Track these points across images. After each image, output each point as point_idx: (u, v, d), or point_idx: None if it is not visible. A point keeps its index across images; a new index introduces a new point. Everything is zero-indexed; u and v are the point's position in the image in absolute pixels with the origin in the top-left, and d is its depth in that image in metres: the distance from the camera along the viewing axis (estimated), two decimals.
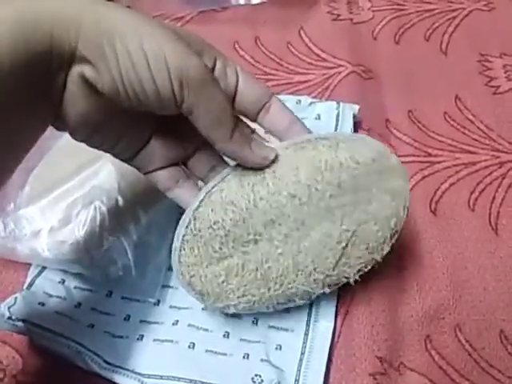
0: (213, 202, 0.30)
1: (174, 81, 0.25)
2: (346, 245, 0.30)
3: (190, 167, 0.33)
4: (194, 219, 0.31)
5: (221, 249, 0.30)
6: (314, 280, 0.31)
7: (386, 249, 0.32)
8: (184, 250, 0.31)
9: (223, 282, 0.31)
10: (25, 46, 0.23)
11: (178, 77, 0.25)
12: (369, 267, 0.32)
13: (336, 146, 0.30)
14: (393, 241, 0.32)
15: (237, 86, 0.30)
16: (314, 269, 0.31)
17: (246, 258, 0.31)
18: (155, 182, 0.32)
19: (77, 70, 0.25)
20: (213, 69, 0.30)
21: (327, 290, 0.32)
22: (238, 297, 0.31)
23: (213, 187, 0.31)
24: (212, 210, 0.30)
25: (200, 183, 0.33)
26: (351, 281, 0.32)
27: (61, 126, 0.28)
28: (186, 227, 0.31)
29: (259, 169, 0.30)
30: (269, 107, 0.31)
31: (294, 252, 0.30)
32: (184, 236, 0.31)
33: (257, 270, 0.31)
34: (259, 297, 0.31)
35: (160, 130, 0.31)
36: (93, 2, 0.25)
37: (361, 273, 0.32)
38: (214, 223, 0.30)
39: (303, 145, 0.30)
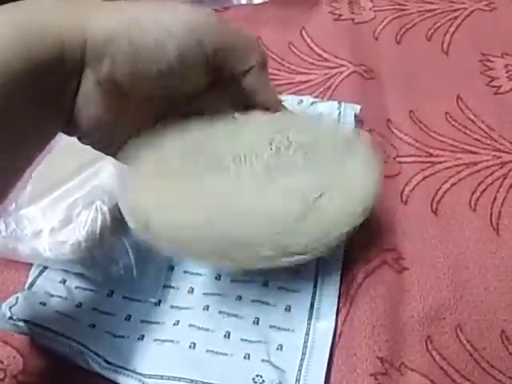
0: (189, 131, 0.30)
1: (198, 34, 0.26)
2: (309, 205, 0.28)
3: None
4: (164, 134, 0.30)
5: (185, 170, 0.29)
6: (269, 234, 0.28)
7: (344, 231, 0.30)
8: (139, 156, 0.29)
9: (171, 200, 0.28)
10: (32, 53, 0.23)
11: (201, 28, 0.26)
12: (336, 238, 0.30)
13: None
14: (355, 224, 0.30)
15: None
16: (272, 218, 0.28)
17: (204, 184, 0.28)
18: None
19: (90, 72, 0.25)
20: None
21: (271, 254, 0.28)
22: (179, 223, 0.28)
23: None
24: (182, 139, 0.30)
25: None
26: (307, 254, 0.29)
27: (71, 131, 0.28)
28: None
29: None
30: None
31: (256, 196, 0.28)
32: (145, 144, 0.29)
33: (211, 199, 0.28)
34: (202, 234, 0.27)
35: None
36: (97, 2, 0.26)
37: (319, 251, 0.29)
38: (184, 145, 0.29)
39: None
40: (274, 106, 0.31)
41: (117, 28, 0.25)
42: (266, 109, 0.31)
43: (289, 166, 0.29)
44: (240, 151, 0.29)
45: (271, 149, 0.30)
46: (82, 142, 0.30)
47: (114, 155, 0.31)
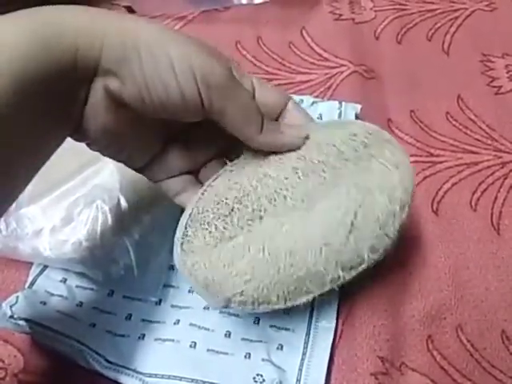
0: (216, 186, 0.31)
1: (201, 84, 0.26)
2: (355, 216, 0.29)
3: (200, 177, 0.33)
4: (197, 206, 0.30)
5: (225, 228, 0.29)
6: (326, 258, 0.29)
7: (397, 224, 0.30)
8: (186, 236, 0.30)
9: (228, 264, 0.29)
10: (48, 57, 0.23)
11: (204, 79, 0.26)
12: (382, 247, 0.30)
13: (333, 127, 0.32)
14: (403, 216, 0.30)
15: (254, 96, 0.31)
16: (325, 244, 0.29)
17: (251, 236, 0.29)
18: (164, 190, 0.33)
19: (100, 82, 0.25)
20: None
21: (341, 273, 0.29)
22: (246, 281, 0.29)
23: (214, 178, 0.31)
24: (215, 194, 0.30)
25: None
26: (365, 261, 0.29)
27: (80, 137, 0.28)
28: (190, 215, 0.30)
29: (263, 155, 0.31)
30: (285, 112, 0.32)
31: (301, 227, 0.29)
32: (187, 223, 0.30)
33: (263, 249, 0.29)
34: (268, 280, 0.29)
35: (173, 140, 0.31)
36: (115, 14, 0.26)
37: (375, 256, 0.30)
38: (218, 203, 0.30)
39: None
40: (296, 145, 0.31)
41: (131, 52, 0.25)
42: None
43: (321, 187, 0.30)
44: (270, 190, 0.30)
45: (299, 178, 0.30)
46: (90, 148, 0.30)
47: (124, 162, 0.31)
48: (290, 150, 0.31)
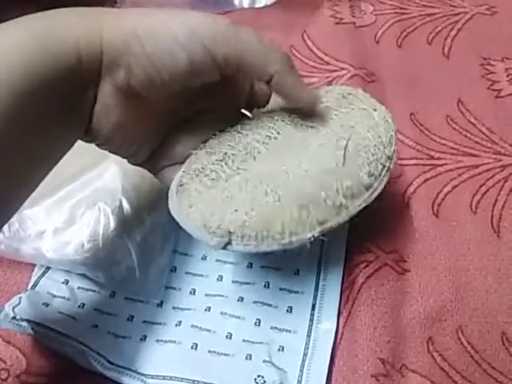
0: (208, 145, 0.31)
1: (208, 42, 0.26)
2: (346, 148, 0.30)
3: None
4: (190, 161, 0.31)
5: (221, 170, 0.29)
6: (325, 183, 0.29)
7: (388, 151, 0.32)
8: (181, 185, 0.30)
9: (227, 199, 0.28)
10: (53, 58, 0.23)
11: (210, 36, 0.26)
12: (378, 172, 0.31)
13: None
14: (393, 145, 0.32)
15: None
16: (321, 172, 0.29)
17: (247, 174, 0.29)
18: (164, 179, 0.33)
19: (107, 80, 0.26)
20: None
21: (343, 201, 0.29)
22: (246, 212, 0.28)
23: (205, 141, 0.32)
24: (208, 148, 0.31)
25: None
26: (365, 187, 0.30)
27: (91, 139, 0.28)
28: (184, 168, 0.31)
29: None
30: None
31: (297, 163, 0.30)
32: (181, 175, 0.31)
33: (261, 182, 0.29)
34: (270, 209, 0.28)
35: (176, 128, 0.32)
36: (111, 9, 0.27)
37: (373, 183, 0.31)
38: (211, 154, 0.31)
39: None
40: (310, 106, 0.31)
41: (130, 38, 0.25)
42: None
43: (310, 130, 0.32)
44: (262, 135, 0.31)
45: (288, 124, 0.32)
46: (103, 149, 0.30)
47: (136, 162, 0.31)
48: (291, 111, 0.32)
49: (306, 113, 0.32)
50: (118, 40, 0.25)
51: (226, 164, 0.30)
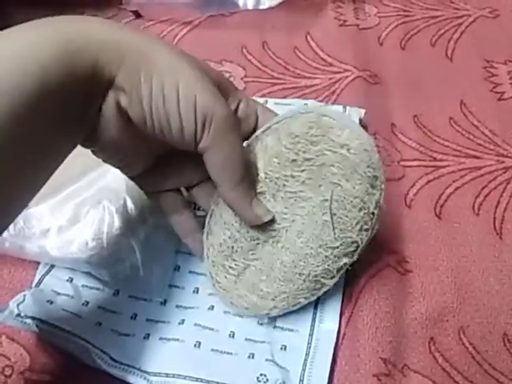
0: (213, 230, 0.34)
1: (199, 121, 0.27)
2: (331, 212, 0.31)
3: (192, 194, 0.35)
4: (207, 254, 0.35)
5: (236, 265, 0.34)
6: (326, 256, 0.32)
7: (376, 195, 0.31)
8: (215, 280, 0.35)
9: (253, 291, 0.34)
10: (71, 66, 0.24)
11: (202, 117, 0.27)
12: (369, 225, 0.32)
13: (276, 130, 0.32)
14: (378, 187, 0.31)
15: (256, 124, 0.33)
16: (319, 246, 0.32)
17: (259, 262, 0.34)
18: (155, 203, 0.35)
19: (113, 96, 0.26)
20: (236, 110, 0.32)
21: (346, 260, 0.33)
22: (272, 299, 0.34)
23: (210, 215, 0.34)
24: (216, 238, 0.34)
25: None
26: (359, 242, 0.32)
27: (88, 145, 0.29)
28: (207, 261, 0.35)
29: None
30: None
31: (292, 241, 0.32)
32: (209, 271, 0.35)
33: (272, 268, 0.33)
34: (290, 290, 0.33)
35: (170, 156, 0.33)
36: (137, 34, 0.26)
37: (365, 234, 0.32)
38: (220, 245, 0.34)
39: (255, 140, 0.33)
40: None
41: (143, 78, 0.26)
42: None
43: (291, 201, 0.32)
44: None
45: (268, 201, 0.33)
46: (96, 156, 0.31)
47: (120, 169, 0.32)
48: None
49: (281, 178, 0.32)
50: (134, 72, 0.25)
51: (238, 258, 0.34)
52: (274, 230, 0.33)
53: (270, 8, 0.58)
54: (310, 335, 0.36)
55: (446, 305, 0.38)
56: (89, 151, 0.36)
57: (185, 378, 0.33)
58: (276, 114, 0.34)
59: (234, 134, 0.28)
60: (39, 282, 0.38)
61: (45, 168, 0.26)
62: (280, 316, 0.37)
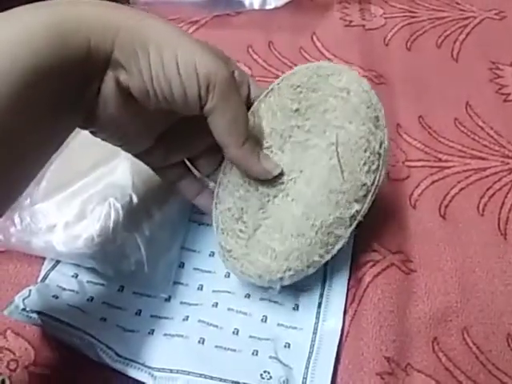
0: (222, 196, 0.34)
1: (202, 85, 0.27)
2: (338, 155, 0.31)
3: (196, 165, 0.35)
4: (217, 222, 0.34)
5: (246, 227, 0.33)
6: (337, 203, 0.32)
7: (379, 138, 0.32)
8: (226, 250, 0.34)
9: (265, 253, 0.33)
10: (64, 49, 0.24)
11: (206, 81, 0.27)
12: (376, 165, 0.32)
13: (277, 88, 0.33)
14: (382, 127, 0.32)
15: (249, 93, 0.33)
16: (330, 192, 0.32)
17: (269, 220, 0.33)
18: (161, 177, 0.35)
19: (111, 74, 0.26)
20: None
21: (357, 207, 0.32)
22: (285, 258, 0.32)
23: (218, 184, 0.34)
24: (224, 204, 0.34)
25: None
26: (369, 184, 0.32)
27: (87, 126, 0.29)
28: (216, 232, 0.34)
29: None
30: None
31: (302, 192, 0.32)
32: (219, 242, 0.34)
33: (283, 224, 0.32)
34: (303, 247, 0.32)
35: (171, 129, 0.33)
36: (130, 10, 0.27)
37: (373, 176, 0.32)
38: (229, 210, 0.33)
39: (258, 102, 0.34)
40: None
41: (141, 50, 0.26)
42: None
43: (298, 150, 0.33)
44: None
45: (276, 154, 0.33)
46: (95, 136, 0.31)
47: (122, 147, 0.32)
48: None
49: (286, 129, 0.33)
50: (130, 47, 0.26)
51: (248, 219, 0.33)
52: (283, 183, 0.33)
53: (276, 8, 0.58)
54: (314, 333, 0.36)
55: (450, 305, 0.38)
56: (95, 148, 0.36)
57: (189, 373, 0.33)
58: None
59: (236, 93, 0.29)
60: (45, 278, 0.39)
61: (43, 152, 0.27)
62: (284, 313, 0.37)
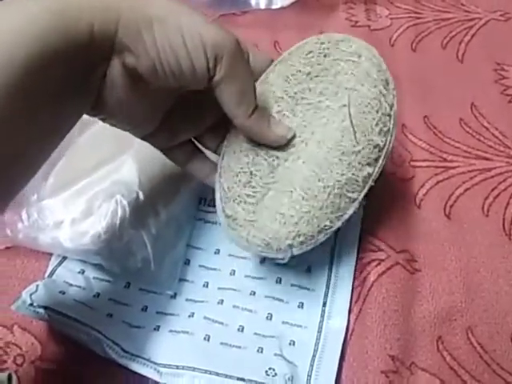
0: (226, 163, 0.33)
1: (210, 56, 0.27)
2: (351, 116, 0.31)
3: (203, 142, 0.35)
4: (222, 187, 0.33)
5: (255, 192, 0.32)
6: (349, 164, 0.31)
7: (389, 100, 0.32)
8: (228, 216, 0.33)
9: (273, 218, 0.31)
10: (68, 34, 0.24)
11: (213, 52, 0.27)
12: (387, 126, 0.32)
13: (288, 56, 0.34)
14: (391, 90, 0.33)
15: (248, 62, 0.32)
16: (342, 153, 0.31)
17: (278, 185, 0.32)
18: (170, 159, 0.35)
19: (117, 58, 0.26)
20: None
21: (369, 170, 0.32)
22: (295, 223, 0.31)
23: (222, 156, 0.34)
24: (230, 170, 0.33)
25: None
26: (381, 145, 0.32)
27: (96, 112, 0.29)
28: (220, 199, 0.33)
29: None
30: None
31: (314, 153, 0.32)
32: (222, 208, 0.33)
33: (295, 189, 0.31)
34: (314, 210, 0.31)
35: (177, 108, 0.33)
36: None
37: (385, 138, 0.32)
38: (236, 175, 0.33)
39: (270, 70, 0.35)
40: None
41: (145, 29, 0.26)
42: None
43: (309, 113, 0.32)
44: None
45: (287, 117, 0.33)
46: (105, 122, 0.31)
47: (138, 135, 0.33)
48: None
49: (298, 92, 0.33)
50: (133, 27, 0.26)
51: (256, 183, 0.32)
52: (294, 146, 0.32)
53: (282, 8, 0.58)
54: (319, 331, 0.36)
55: (455, 304, 0.38)
56: (102, 145, 0.37)
57: (194, 369, 0.33)
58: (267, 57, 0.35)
59: (244, 62, 0.29)
60: (51, 273, 0.39)
61: (50, 141, 0.27)
62: (289, 311, 0.37)
